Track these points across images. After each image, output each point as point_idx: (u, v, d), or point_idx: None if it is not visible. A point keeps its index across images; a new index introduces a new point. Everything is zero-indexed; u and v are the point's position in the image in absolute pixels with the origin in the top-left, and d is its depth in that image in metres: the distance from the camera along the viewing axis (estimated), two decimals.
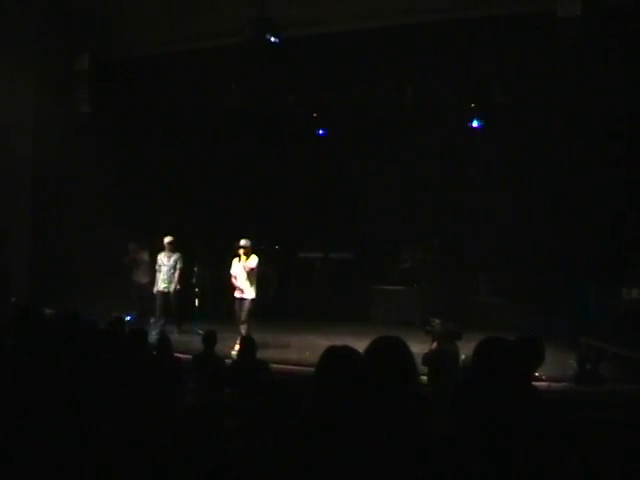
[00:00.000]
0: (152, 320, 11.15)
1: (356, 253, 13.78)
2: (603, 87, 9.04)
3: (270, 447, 2.37)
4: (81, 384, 3.71)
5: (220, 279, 11.86)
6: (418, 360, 2.58)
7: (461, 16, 9.06)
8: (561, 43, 8.47)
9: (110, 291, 11.29)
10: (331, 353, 2.41)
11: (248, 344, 6.34)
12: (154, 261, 10.82)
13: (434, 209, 12.67)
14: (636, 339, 7.97)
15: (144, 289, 11.22)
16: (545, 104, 10.46)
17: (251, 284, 9.22)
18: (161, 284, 10.58)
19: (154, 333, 9.44)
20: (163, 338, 6.16)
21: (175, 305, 10.79)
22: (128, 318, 9.96)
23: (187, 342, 8.91)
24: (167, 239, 10.67)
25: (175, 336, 9.33)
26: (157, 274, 10.67)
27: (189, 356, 6.88)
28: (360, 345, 2.53)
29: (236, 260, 9.32)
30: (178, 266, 10.64)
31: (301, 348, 9.26)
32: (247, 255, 9.20)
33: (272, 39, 8.84)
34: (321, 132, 14.17)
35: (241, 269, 9.21)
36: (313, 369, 2.42)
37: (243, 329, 9.02)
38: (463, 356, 6.40)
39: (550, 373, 6.63)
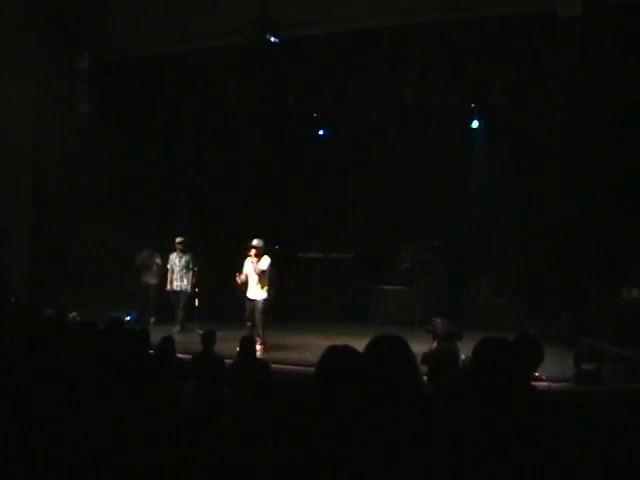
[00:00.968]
0: (152, 320, 11.21)
1: (356, 253, 13.77)
2: (603, 87, 9.04)
3: (270, 447, 2.37)
4: (81, 384, 3.71)
5: (220, 279, 11.88)
6: (418, 360, 2.58)
7: (461, 16, 9.06)
8: (561, 43, 8.48)
9: (110, 291, 11.32)
10: (331, 352, 2.41)
11: (248, 344, 6.35)
12: (164, 263, 11.04)
13: (434, 209, 12.66)
14: (636, 339, 7.97)
15: (151, 290, 11.36)
16: (545, 104, 10.46)
17: (262, 286, 9.12)
18: (173, 283, 10.79)
19: (175, 330, 10.14)
20: (167, 338, 6.15)
21: (183, 305, 10.88)
22: (128, 318, 9.98)
23: (187, 342, 8.91)
24: (178, 239, 10.86)
25: (182, 335, 9.51)
26: (169, 274, 10.86)
27: (189, 356, 6.88)
28: (360, 345, 2.53)
29: (248, 260, 9.15)
30: (191, 266, 10.83)
31: (301, 348, 9.25)
32: (259, 256, 9.09)
33: (272, 39, 8.84)
34: (321, 132, 14.16)
35: (252, 270, 9.10)
36: (313, 369, 2.41)
37: (258, 329, 9.01)
38: (463, 356, 6.39)
39: (550, 373, 6.62)
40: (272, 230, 13.50)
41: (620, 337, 8.28)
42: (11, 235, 11.08)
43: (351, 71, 10.89)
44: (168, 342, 6.08)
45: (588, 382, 7.12)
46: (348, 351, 2.40)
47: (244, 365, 6.08)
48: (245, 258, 9.21)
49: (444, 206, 12.65)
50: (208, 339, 6.55)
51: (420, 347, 5.94)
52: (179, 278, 10.79)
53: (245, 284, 9.20)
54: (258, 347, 8.16)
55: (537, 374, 5.24)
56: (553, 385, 6.66)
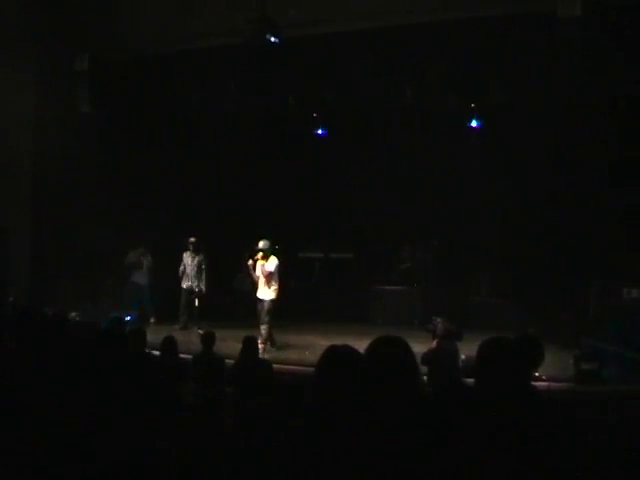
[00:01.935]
0: (152, 320, 11.24)
1: (356, 253, 13.77)
2: (603, 87, 9.04)
3: (270, 447, 2.37)
4: (81, 384, 3.71)
5: (220, 279, 11.89)
6: (418, 360, 2.58)
7: (461, 16, 9.06)
8: (561, 43, 8.48)
9: (110, 291, 11.32)
10: (332, 352, 2.41)
11: (249, 344, 6.35)
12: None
13: (434, 209, 12.66)
14: (636, 339, 7.96)
15: (143, 290, 11.38)
16: (545, 104, 10.46)
17: (270, 286, 9.17)
18: (187, 282, 10.97)
19: (177, 327, 10.45)
20: (169, 338, 6.15)
21: (198, 304, 11.06)
22: (128, 318, 9.97)
23: (187, 342, 8.91)
24: (191, 239, 11.08)
25: (182, 335, 9.51)
26: (180, 273, 11.07)
27: (189, 356, 6.88)
28: (360, 345, 2.53)
29: (257, 261, 9.23)
30: (203, 267, 10.99)
31: (301, 348, 9.26)
32: (266, 258, 9.14)
33: (272, 39, 8.84)
34: (321, 132, 14.16)
35: (260, 271, 9.16)
36: (313, 369, 2.41)
37: (263, 329, 9.08)
38: (463, 356, 6.40)
39: (550, 373, 6.62)
40: (272, 230, 13.52)
41: (620, 337, 8.27)
42: (11, 235, 11.08)
43: (351, 71, 10.88)
44: (170, 342, 6.08)
45: (588, 382, 7.12)
46: (348, 351, 2.40)
47: (246, 365, 6.08)
48: (250, 259, 9.29)
49: (444, 206, 12.65)
50: (208, 339, 6.54)
51: (420, 347, 5.93)
52: (192, 278, 11.00)
53: (255, 284, 9.32)
54: (260, 347, 8.18)
55: (537, 374, 5.23)
56: (553, 385, 6.66)
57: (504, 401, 2.44)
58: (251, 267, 9.25)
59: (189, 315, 11.03)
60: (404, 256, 13.07)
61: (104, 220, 10.91)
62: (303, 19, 9.48)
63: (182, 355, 6.90)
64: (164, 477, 2.95)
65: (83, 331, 5.23)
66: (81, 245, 11.25)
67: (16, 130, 10.91)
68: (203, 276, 10.99)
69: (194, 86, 11.63)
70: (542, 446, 2.30)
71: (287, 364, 7.96)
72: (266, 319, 9.14)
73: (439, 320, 6.69)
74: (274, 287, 9.19)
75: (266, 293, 9.21)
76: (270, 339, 9.21)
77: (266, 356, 8.38)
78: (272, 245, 9.32)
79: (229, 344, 8.31)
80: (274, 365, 6.74)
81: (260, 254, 9.12)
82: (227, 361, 6.59)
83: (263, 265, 9.13)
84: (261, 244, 9.16)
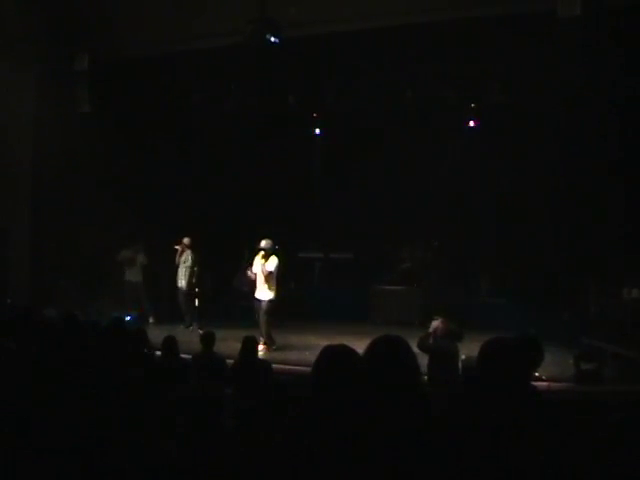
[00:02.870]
0: (151, 320, 11.25)
1: (356, 253, 13.77)
2: (603, 87, 9.04)
3: (270, 447, 2.37)
4: (81, 384, 3.71)
5: (220, 279, 11.89)
6: (418, 360, 2.58)
7: (460, 16, 9.06)
8: (561, 43, 8.47)
9: (110, 291, 11.31)
10: (328, 352, 2.40)
11: (249, 344, 6.34)
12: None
13: (434, 209, 12.66)
14: (636, 339, 7.96)
15: (139, 289, 11.42)
16: (545, 104, 10.46)
17: (269, 286, 9.17)
18: (178, 282, 11.15)
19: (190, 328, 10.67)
20: (169, 338, 6.15)
21: (184, 303, 11.18)
22: (128, 318, 9.97)
23: (187, 342, 8.90)
24: (185, 239, 11.17)
25: (182, 334, 9.50)
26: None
27: (189, 356, 6.87)
28: (360, 345, 2.53)
29: (257, 260, 9.24)
30: (189, 265, 11.16)
31: (301, 348, 9.26)
32: (266, 257, 9.14)
33: (272, 39, 8.85)
34: (320, 132, 14.16)
35: (260, 270, 9.17)
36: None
37: (262, 329, 9.09)
38: (463, 356, 6.40)
39: (550, 373, 6.62)
40: (272, 230, 13.51)
41: (620, 337, 8.27)
42: (11, 235, 11.08)
43: (351, 71, 10.88)
44: (171, 342, 6.07)
45: (588, 382, 7.12)
46: (344, 351, 2.39)
47: (245, 365, 6.08)
48: (252, 258, 9.32)
49: (444, 206, 12.65)
50: (208, 339, 6.54)
51: None
52: (182, 277, 11.13)
53: (253, 283, 9.29)
54: (260, 347, 8.19)
55: (537, 374, 5.23)
56: (553, 385, 6.66)
57: (504, 401, 2.44)
58: (249, 265, 9.28)
59: (191, 314, 11.09)
60: (404, 256, 13.07)
61: (104, 220, 10.91)
62: (303, 19, 9.47)
63: (182, 355, 6.91)
64: (164, 477, 2.95)
65: (84, 331, 5.24)
66: (81, 245, 11.25)
67: (16, 130, 10.91)
68: (187, 274, 11.12)
69: (194, 86, 11.63)
70: (542, 446, 2.30)
71: (287, 364, 7.96)
72: (264, 319, 9.13)
73: (439, 320, 6.68)
74: (273, 288, 9.18)
75: (264, 293, 9.21)
76: (270, 339, 9.21)
77: (265, 356, 8.38)
78: (274, 245, 9.33)
79: (229, 344, 8.31)
80: (274, 365, 6.74)
81: (261, 253, 9.12)
82: (227, 361, 6.59)
83: (263, 264, 9.12)
84: (263, 243, 9.17)
